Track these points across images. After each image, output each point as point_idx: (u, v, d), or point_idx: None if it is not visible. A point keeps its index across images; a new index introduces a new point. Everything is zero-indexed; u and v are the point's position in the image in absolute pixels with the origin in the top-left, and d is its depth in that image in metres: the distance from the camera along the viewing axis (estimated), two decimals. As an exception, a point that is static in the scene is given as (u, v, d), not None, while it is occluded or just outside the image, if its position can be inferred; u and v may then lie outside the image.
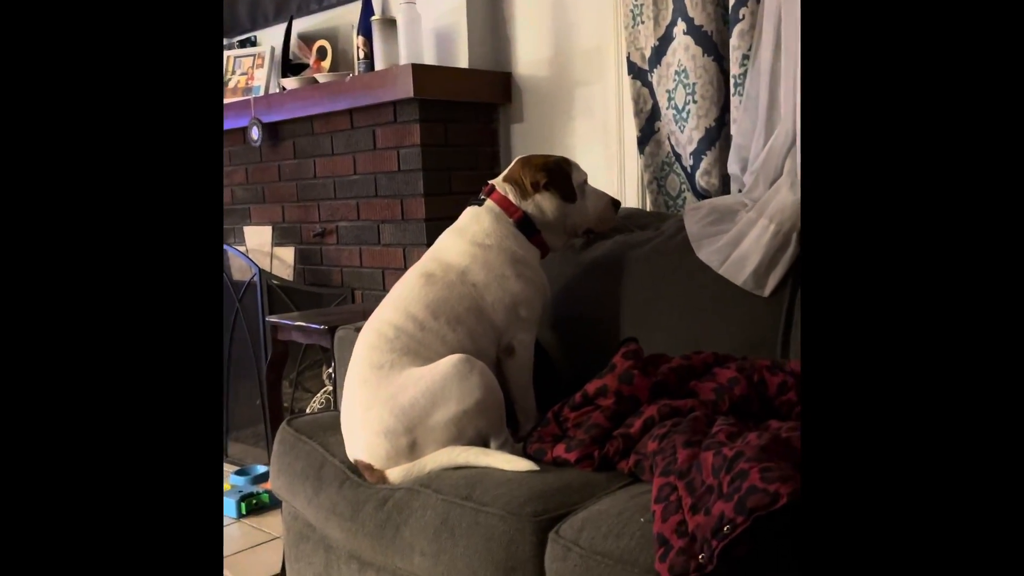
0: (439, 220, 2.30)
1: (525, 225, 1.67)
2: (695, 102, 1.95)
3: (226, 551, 2.26)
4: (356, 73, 2.55)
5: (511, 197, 1.68)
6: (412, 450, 1.46)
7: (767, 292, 1.63)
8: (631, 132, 2.17)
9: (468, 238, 1.65)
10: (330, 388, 2.64)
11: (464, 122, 2.44)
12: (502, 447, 1.47)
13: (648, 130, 2.12)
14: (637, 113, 2.11)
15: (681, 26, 1.95)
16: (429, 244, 1.76)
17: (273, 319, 2.29)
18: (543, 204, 1.68)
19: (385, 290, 2.42)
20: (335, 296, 2.72)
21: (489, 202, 1.69)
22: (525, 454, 1.43)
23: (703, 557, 1.00)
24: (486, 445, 1.48)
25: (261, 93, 2.90)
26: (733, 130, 1.90)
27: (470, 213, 1.70)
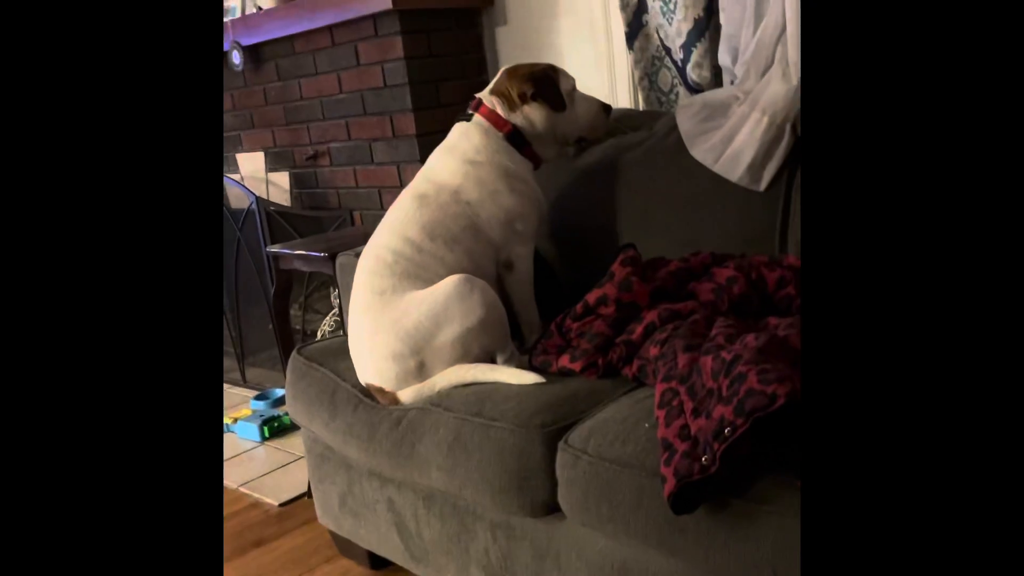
0: (431, 135, 2.27)
1: (515, 138, 1.65)
2: (682, -8, 1.89)
3: (253, 473, 2.35)
4: (332, -14, 2.46)
5: (499, 110, 1.66)
6: (420, 371, 1.49)
7: (763, 186, 1.62)
8: (619, 28, 2.10)
9: (459, 156, 1.63)
10: (338, 309, 2.67)
11: (447, 30, 2.37)
12: (508, 361, 1.50)
13: (636, 24, 2.06)
14: (623, 8, 2.05)
15: (663, -88, 1.86)
16: (422, 160, 1.74)
17: (274, 249, 2.30)
18: (532, 115, 1.66)
19: (383, 209, 2.41)
20: (334, 219, 2.72)
21: (477, 117, 1.66)
22: (531, 366, 1.46)
23: (706, 459, 1.03)
24: (492, 361, 1.51)
25: (238, 14, 2.81)
26: (722, 19, 1.85)
27: (459, 129, 1.68)
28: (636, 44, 2.07)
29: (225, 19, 2.75)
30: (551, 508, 1.29)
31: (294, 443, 2.49)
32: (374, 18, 2.32)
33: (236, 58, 2.72)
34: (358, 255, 1.68)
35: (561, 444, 1.26)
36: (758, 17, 1.72)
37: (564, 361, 1.44)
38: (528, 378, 1.41)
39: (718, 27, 1.87)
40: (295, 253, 2.20)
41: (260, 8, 2.65)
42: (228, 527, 2.09)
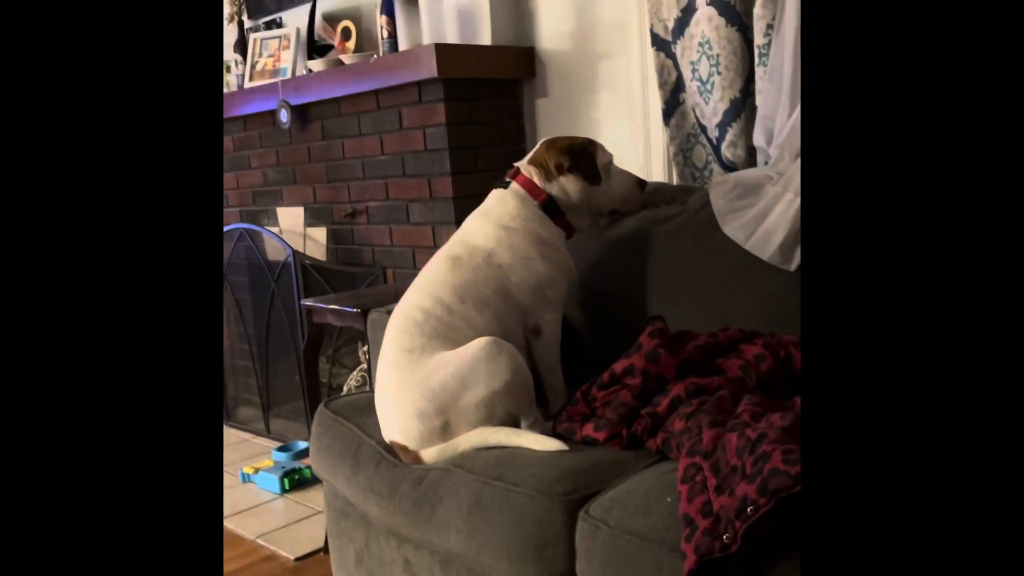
0: (467, 198, 2.32)
1: (550, 207, 1.69)
2: (719, 73, 1.94)
3: (270, 526, 2.35)
4: (381, 53, 2.56)
5: (536, 180, 1.70)
6: (445, 431, 1.50)
7: (793, 267, 1.63)
8: (656, 104, 2.16)
9: (493, 221, 1.67)
10: (365, 365, 2.70)
11: (489, 99, 2.45)
12: (532, 427, 1.51)
13: (673, 102, 2.11)
14: (661, 85, 2.10)
15: (704, -3, 1.92)
16: (458, 222, 1.78)
17: (308, 302, 2.34)
18: (568, 187, 1.70)
19: (416, 268, 2.45)
20: (367, 275, 2.77)
21: (514, 185, 1.70)
22: (554, 433, 1.47)
23: (727, 537, 1.02)
24: (516, 425, 1.51)
25: (288, 75, 2.92)
26: (758, 101, 1.89)
27: (495, 196, 1.72)
28: (672, 121, 2.11)
29: (276, 79, 2.86)
30: (568, 578, 1.28)
31: (313, 497, 2.49)
32: (419, 85, 2.40)
33: (283, 116, 2.81)
34: (390, 312, 1.71)
35: (581, 514, 1.25)
36: (793, 101, 1.76)
37: (588, 430, 1.44)
38: (551, 445, 1.41)
39: (754, 108, 1.91)
40: (328, 307, 2.24)
41: (310, 70, 2.75)
42: (242, 578, 2.08)
